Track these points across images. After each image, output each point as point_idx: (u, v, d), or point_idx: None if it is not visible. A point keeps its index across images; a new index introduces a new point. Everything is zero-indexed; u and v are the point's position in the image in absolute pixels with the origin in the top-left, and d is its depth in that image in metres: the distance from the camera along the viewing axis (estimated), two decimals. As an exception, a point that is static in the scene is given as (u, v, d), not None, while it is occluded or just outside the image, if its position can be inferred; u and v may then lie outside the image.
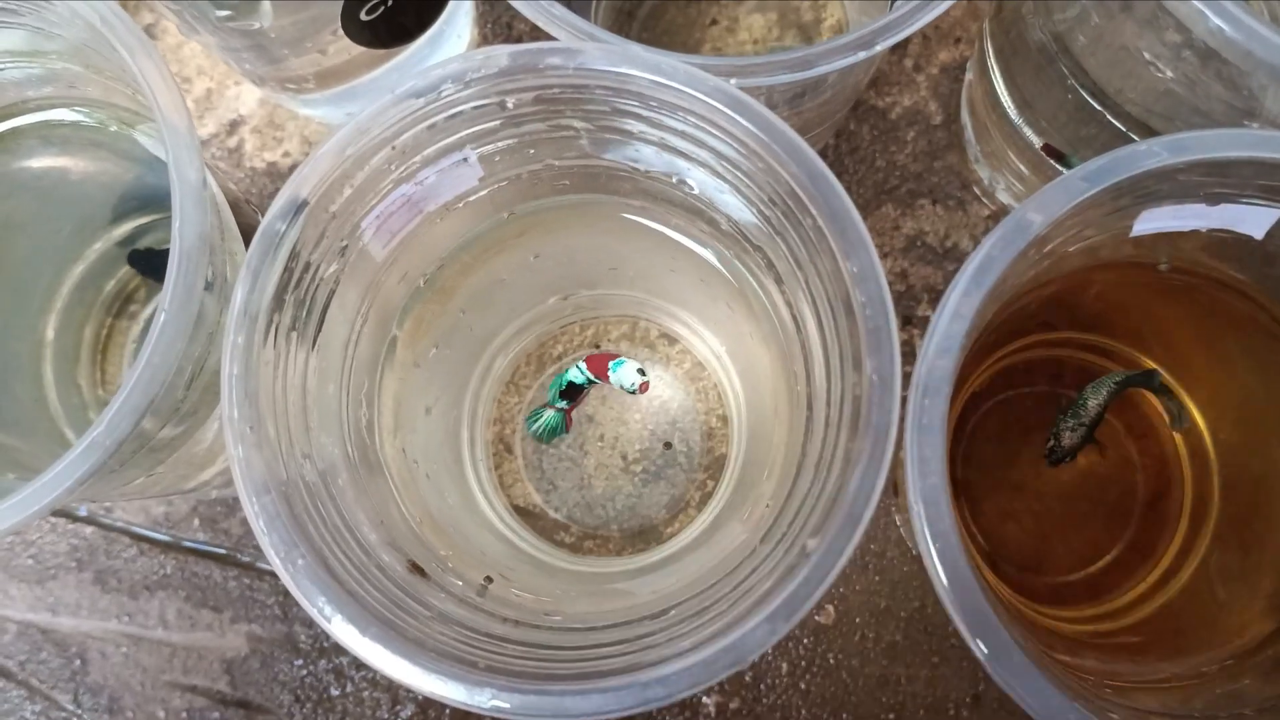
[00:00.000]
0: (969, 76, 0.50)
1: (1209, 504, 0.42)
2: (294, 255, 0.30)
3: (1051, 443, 0.39)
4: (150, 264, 0.48)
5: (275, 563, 0.29)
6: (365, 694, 0.50)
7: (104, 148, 0.43)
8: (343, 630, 0.28)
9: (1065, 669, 0.33)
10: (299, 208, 0.30)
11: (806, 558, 0.28)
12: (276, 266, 0.30)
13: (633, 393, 0.38)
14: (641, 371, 0.38)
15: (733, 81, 0.30)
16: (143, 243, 0.48)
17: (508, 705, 0.28)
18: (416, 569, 0.33)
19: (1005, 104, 0.44)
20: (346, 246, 0.32)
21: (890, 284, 0.51)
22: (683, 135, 0.31)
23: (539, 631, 0.33)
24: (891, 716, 0.48)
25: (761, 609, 0.28)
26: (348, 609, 0.29)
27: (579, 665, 0.30)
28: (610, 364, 0.39)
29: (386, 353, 0.37)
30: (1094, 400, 0.39)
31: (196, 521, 0.52)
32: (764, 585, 0.29)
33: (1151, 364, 0.42)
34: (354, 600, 0.29)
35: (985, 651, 0.28)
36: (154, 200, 0.45)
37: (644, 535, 0.48)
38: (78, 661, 0.51)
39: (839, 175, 0.53)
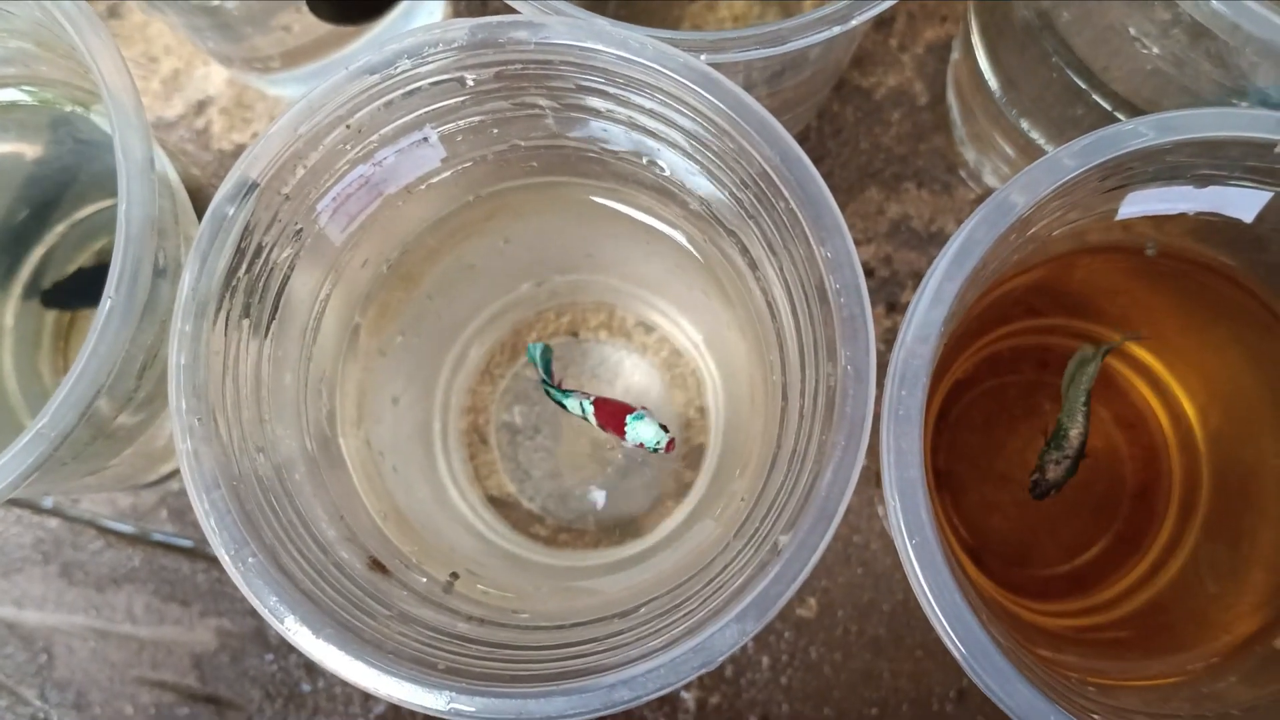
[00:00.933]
0: (954, 55, 0.49)
1: (1198, 495, 0.41)
2: (245, 238, 0.29)
3: (1036, 475, 0.38)
4: (71, 294, 0.46)
5: (225, 561, 0.28)
6: (338, 690, 0.49)
7: (61, 129, 0.42)
8: (295, 631, 0.27)
9: (1047, 666, 0.32)
10: (249, 189, 0.29)
11: (778, 555, 0.27)
12: (226, 250, 0.29)
13: (655, 451, 0.34)
14: (664, 428, 0.34)
15: (703, 58, 0.29)
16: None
17: (467, 708, 0.27)
18: (378, 566, 0.32)
19: (990, 84, 0.43)
20: (301, 230, 0.31)
21: (874, 269, 0.50)
22: (652, 114, 0.30)
23: (505, 630, 0.32)
24: (875, 711, 0.47)
25: (732, 607, 0.27)
26: (301, 609, 0.27)
27: (544, 666, 0.29)
28: (628, 419, 0.34)
29: (349, 341, 0.36)
30: (1074, 429, 0.38)
31: (164, 513, 0.51)
32: (735, 582, 0.28)
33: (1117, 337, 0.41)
34: (308, 600, 0.28)
35: (963, 652, 0.27)
36: (113, 182, 0.44)
37: (621, 528, 0.47)
38: (44, 656, 0.50)
39: (822, 157, 0.51)
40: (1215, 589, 0.39)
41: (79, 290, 0.46)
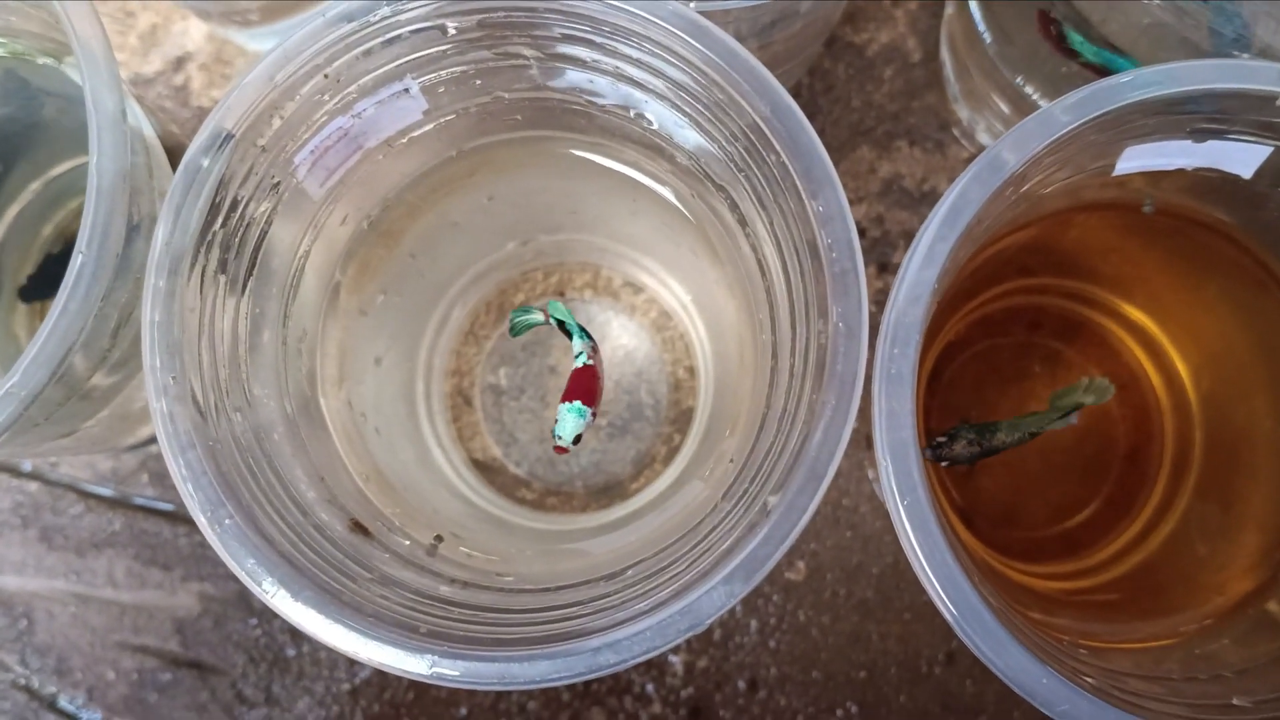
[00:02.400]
0: (948, 10, 0.48)
1: (1190, 457, 0.41)
2: (220, 191, 0.28)
3: (944, 440, 0.37)
4: (46, 282, 0.45)
5: (201, 522, 0.27)
6: (322, 654, 0.49)
7: (34, 85, 0.41)
8: (273, 593, 0.27)
9: (1039, 628, 0.32)
10: (224, 140, 0.28)
11: (767, 515, 0.27)
12: (201, 203, 0.28)
13: (556, 438, 0.33)
14: (579, 438, 0.33)
15: (693, 5, 0.28)
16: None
17: (450, 672, 0.27)
18: (359, 528, 0.32)
19: (984, 39, 0.42)
20: (279, 183, 0.30)
21: (866, 229, 0.49)
22: (639, 64, 0.29)
23: (489, 593, 0.32)
24: (863, 674, 0.47)
25: (720, 569, 0.26)
26: (279, 571, 0.27)
27: (529, 629, 0.29)
28: (564, 406, 0.33)
29: (329, 299, 0.35)
30: (1005, 436, 0.37)
31: (145, 477, 0.50)
32: (723, 544, 0.28)
33: (1099, 376, 0.39)
34: (286, 562, 0.27)
35: (954, 613, 0.27)
36: (87, 138, 0.43)
37: (609, 491, 0.46)
38: (24, 622, 0.50)
39: (813, 115, 0.51)
40: (1207, 551, 0.39)
41: (52, 276, 0.45)
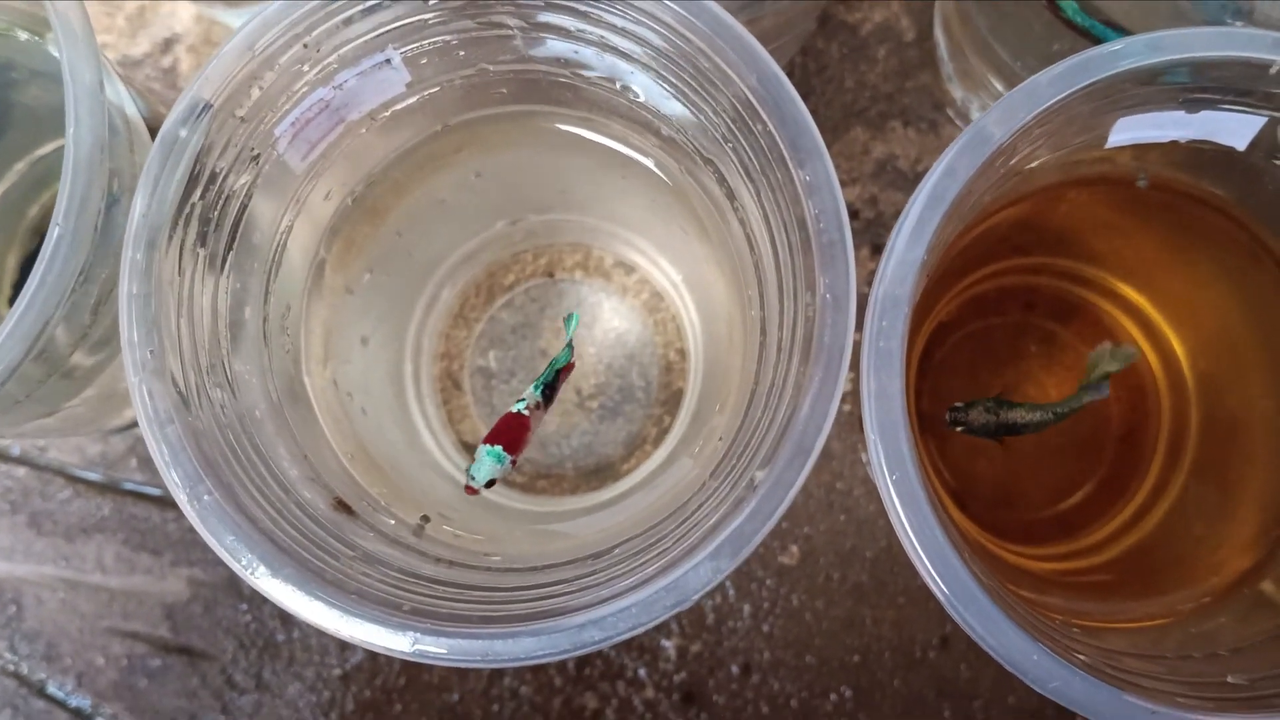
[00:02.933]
0: (942, -10, 0.48)
1: (1186, 437, 0.40)
2: (198, 163, 0.28)
3: (963, 407, 0.37)
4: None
5: (180, 499, 0.27)
6: (313, 640, 0.48)
7: (18, 63, 0.40)
8: (253, 570, 0.26)
9: (1031, 607, 0.31)
10: (202, 110, 0.27)
11: (754, 490, 0.26)
12: (179, 175, 0.28)
13: (470, 477, 0.32)
14: (492, 481, 0.32)
15: (676, -26, 0.27)
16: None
17: (433, 649, 0.26)
18: (343, 507, 0.31)
19: (978, 19, 0.42)
20: (259, 155, 0.30)
21: (859, 211, 0.49)
22: (625, 34, 0.29)
23: (475, 573, 0.31)
24: (857, 658, 0.47)
25: (706, 545, 0.26)
26: (259, 548, 0.27)
27: (514, 607, 0.28)
28: (482, 448, 0.32)
29: (313, 276, 0.35)
30: (1026, 414, 0.37)
31: (134, 461, 0.50)
32: (710, 520, 0.27)
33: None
34: (267, 539, 0.27)
35: (945, 591, 0.26)
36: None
37: (599, 473, 0.46)
38: (13, 608, 0.49)
39: (806, 95, 0.50)
40: (1203, 531, 0.38)
41: None
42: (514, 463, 0.32)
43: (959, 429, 0.37)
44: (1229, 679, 0.29)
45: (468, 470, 0.32)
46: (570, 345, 0.35)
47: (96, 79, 0.29)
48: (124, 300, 0.27)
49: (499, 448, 0.32)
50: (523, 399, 0.33)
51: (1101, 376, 0.37)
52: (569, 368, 0.35)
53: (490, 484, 0.32)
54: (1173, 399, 0.41)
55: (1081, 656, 0.28)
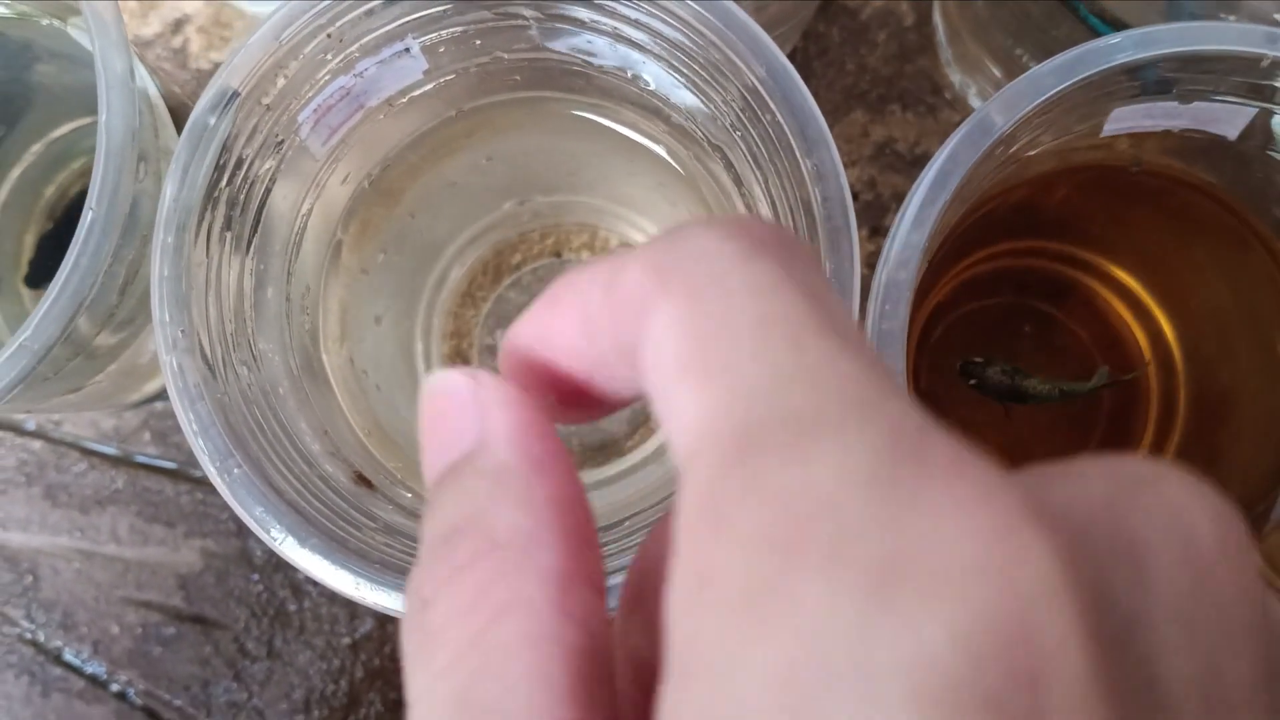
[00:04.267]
0: (941, -24, 0.49)
1: (1174, 416, 0.41)
2: (225, 150, 0.29)
3: (978, 362, 0.37)
4: (47, 261, 0.46)
5: (210, 472, 0.28)
6: (323, 610, 0.50)
7: (37, 45, 0.41)
8: (282, 540, 0.27)
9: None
10: (230, 98, 0.28)
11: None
12: (207, 162, 0.29)
13: None
14: None
15: (688, -32, 0.28)
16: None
17: (453, 617, 0.27)
18: (363, 480, 0.32)
19: (977, 2, 0.43)
20: (283, 142, 0.31)
21: (859, 193, 0.50)
22: (637, 25, 0.30)
23: (490, 543, 0.32)
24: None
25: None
26: (287, 519, 0.28)
27: (528, 576, 0.29)
28: None
29: (331, 257, 0.36)
30: (1038, 385, 0.37)
31: (148, 435, 0.51)
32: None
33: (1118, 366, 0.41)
34: (294, 510, 0.28)
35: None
36: (92, 99, 0.44)
37: (604, 449, 0.47)
38: (29, 577, 0.50)
39: (806, 79, 0.51)
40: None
41: (51, 254, 0.46)
42: None
43: (971, 382, 0.37)
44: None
45: None
46: None
47: (127, 67, 0.30)
48: (156, 282, 0.28)
49: None
50: None
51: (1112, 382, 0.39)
52: None
53: None
54: (1162, 378, 0.42)
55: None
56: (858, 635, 0.10)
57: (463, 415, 0.17)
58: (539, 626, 0.14)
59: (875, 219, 0.50)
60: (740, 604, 0.11)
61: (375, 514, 0.31)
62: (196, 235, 0.29)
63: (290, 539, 0.27)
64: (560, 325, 0.17)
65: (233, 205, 0.30)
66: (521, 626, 0.14)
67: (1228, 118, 0.32)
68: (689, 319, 0.14)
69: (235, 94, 0.28)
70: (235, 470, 0.28)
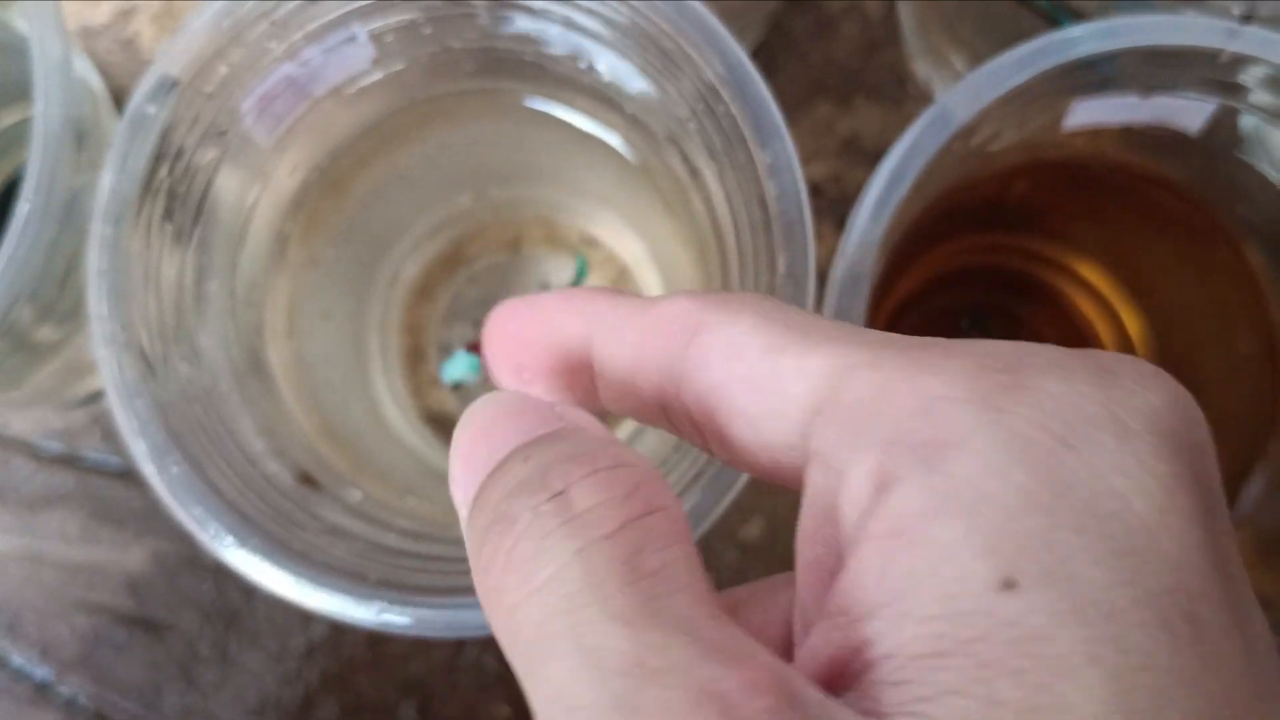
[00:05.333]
0: (906, -31, 0.48)
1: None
2: (165, 139, 0.28)
3: None
4: None
5: (148, 470, 0.27)
6: (277, 613, 0.49)
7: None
8: (220, 540, 0.27)
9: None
10: (169, 87, 0.28)
11: (710, 464, 0.27)
12: (146, 152, 0.28)
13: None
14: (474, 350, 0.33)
15: (641, -46, 0.28)
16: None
17: (399, 619, 0.27)
18: (308, 480, 0.31)
19: (941, -3, 0.42)
20: (226, 131, 0.30)
21: (824, 188, 0.49)
22: (589, 13, 0.29)
23: (440, 544, 0.32)
24: (816, 630, 0.48)
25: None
26: (226, 518, 0.27)
27: (480, 578, 0.29)
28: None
29: (278, 250, 0.35)
30: None
31: (97, 434, 0.49)
32: (671, 494, 0.28)
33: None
34: (234, 510, 0.27)
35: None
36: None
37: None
38: (-25, 579, 0.49)
39: (772, 72, 0.50)
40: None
41: None
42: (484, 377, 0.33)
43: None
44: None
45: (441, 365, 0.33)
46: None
47: (65, 55, 0.29)
48: (92, 274, 0.27)
49: (476, 357, 0.32)
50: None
51: None
52: None
53: (457, 387, 0.33)
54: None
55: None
56: (1103, 396, 0.14)
57: (527, 414, 0.18)
58: (683, 530, 0.16)
59: (841, 214, 0.49)
60: (986, 392, 0.15)
61: (320, 515, 0.30)
62: (135, 226, 0.28)
63: (229, 539, 0.27)
64: (568, 321, 0.19)
65: (173, 196, 0.29)
66: (672, 524, 0.16)
67: (1189, 112, 0.31)
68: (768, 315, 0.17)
69: (175, 82, 0.28)
70: (173, 469, 0.27)
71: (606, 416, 0.42)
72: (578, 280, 0.35)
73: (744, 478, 0.26)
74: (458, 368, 0.32)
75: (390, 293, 0.43)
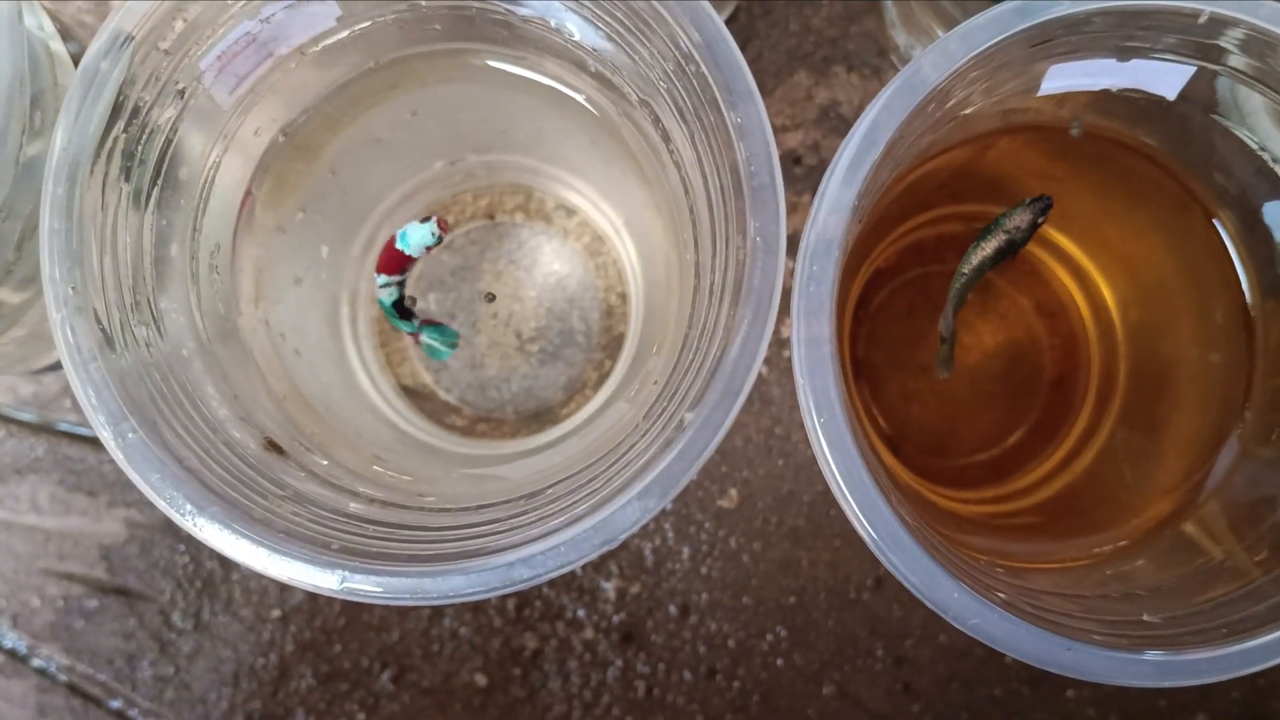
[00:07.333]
0: (886, -66, 0.47)
1: (1115, 384, 0.41)
2: (121, 96, 0.27)
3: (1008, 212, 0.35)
4: None
5: (104, 435, 0.27)
6: (252, 582, 0.48)
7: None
8: (179, 508, 0.26)
9: (957, 548, 0.32)
10: (124, 42, 0.27)
11: (683, 431, 0.26)
12: (100, 108, 0.27)
13: (438, 243, 0.33)
14: (435, 224, 0.33)
15: (610, -89, 0.27)
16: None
17: (362, 586, 0.26)
18: (274, 447, 0.31)
19: (921, -39, 0.42)
20: (185, 90, 0.29)
21: (802, 156, 0.49)
22: (557, -29, 0.29)
23: (407, 512, 0.31)
24: (793, 599, 0.48)
25: (635, 485, 0.26)
26: (185, 486, 0.26)
27: (444, 546, 0.28)
28: (396, 238, 0.34)
29: (244, 214, 0.34)
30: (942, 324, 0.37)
31: (68, 402, 0.49)
32: (640, 460, 0.28)
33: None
34: (193, 477, 0.27)
35: (869, 531, 0.27)
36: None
37: (539, 417, 0.46)
38: (-54, 549, 0.49)
39: (750, 40, 0.50)
40: (1129, 475, 0.39)
41: None
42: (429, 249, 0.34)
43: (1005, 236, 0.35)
44: (1144, 617, 0.30)
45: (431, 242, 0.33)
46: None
47: (14, 10, 0.28)
48: (44, 236, 0.26)
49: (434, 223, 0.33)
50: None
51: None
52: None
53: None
54: (1103, 347, 0.42)
55: (1002, 595, 0.28)
56: None
57: None
58: None
59: (820, 182, 0.48)
60: None
61: (285, 481, 0.30)
62: (89, 185, 0.27)
63: (189, 506, 0.26)
64: None
65: (130, 155, 0.28)
66: None
67: (1166, 76, 0.31)
68: None
69: (129, 37, 0.27)
70: (130, 435, 0.26)
71: (583, 386, 0.41)
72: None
73: (713, 445, 0.26)
74: (418, 234, 0.33)
75: (364, 260, 0.42)
